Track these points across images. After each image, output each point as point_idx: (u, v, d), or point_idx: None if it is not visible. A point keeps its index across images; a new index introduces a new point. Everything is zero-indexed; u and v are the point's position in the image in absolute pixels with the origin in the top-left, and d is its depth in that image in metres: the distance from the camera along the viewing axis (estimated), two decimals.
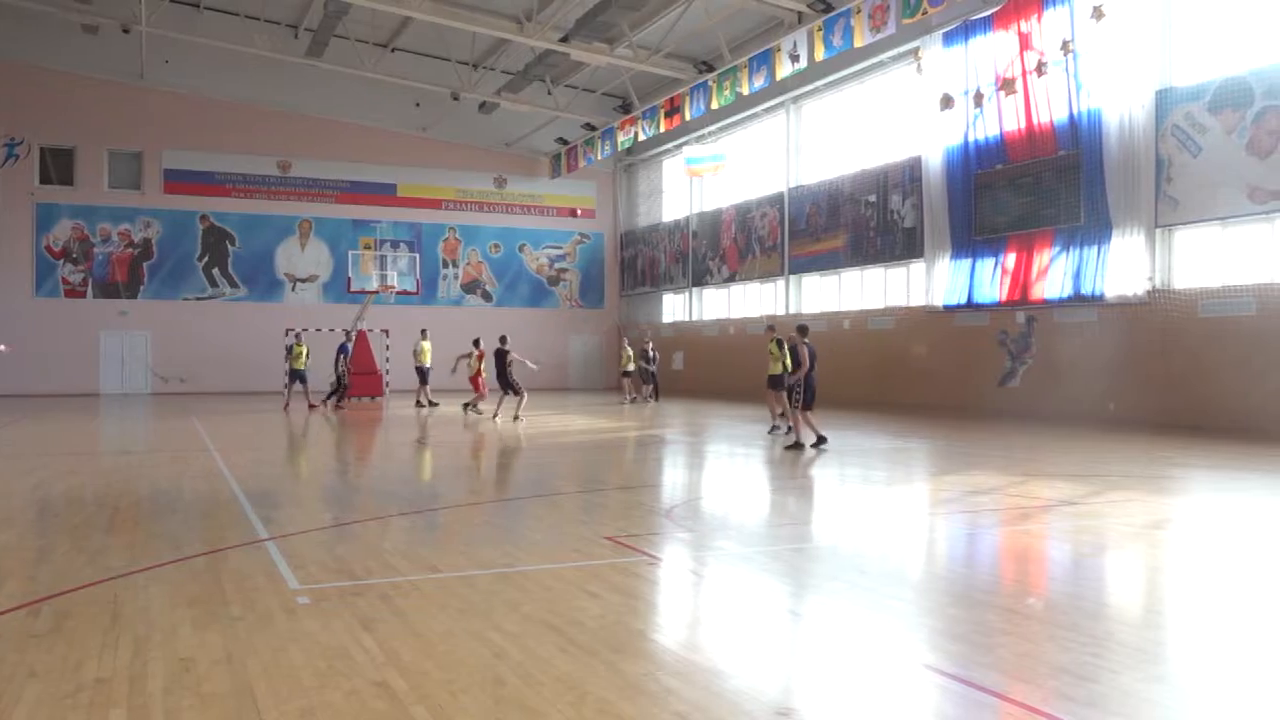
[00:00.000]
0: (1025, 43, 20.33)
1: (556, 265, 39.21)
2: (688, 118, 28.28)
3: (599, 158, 34.32)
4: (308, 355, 24.95)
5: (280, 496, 10.06)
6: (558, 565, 6.52)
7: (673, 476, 12.08)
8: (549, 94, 32.91)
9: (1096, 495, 9.69)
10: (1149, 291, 18.42)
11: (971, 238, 22.12)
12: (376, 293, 31.17)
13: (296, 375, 24.65)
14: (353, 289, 32.04)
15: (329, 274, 35.69)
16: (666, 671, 4.36)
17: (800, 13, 24.11)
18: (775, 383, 16.12)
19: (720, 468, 12.94)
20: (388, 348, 28.63)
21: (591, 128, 34.38)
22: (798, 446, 13.81)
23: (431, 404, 25.09)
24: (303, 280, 35.56)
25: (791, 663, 4.69)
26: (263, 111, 34.52)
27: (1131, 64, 18.44)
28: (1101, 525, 8.15)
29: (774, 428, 16.43)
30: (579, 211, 39.43)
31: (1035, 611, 5.50)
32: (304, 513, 8.98)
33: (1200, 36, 18.03)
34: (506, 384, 20.49)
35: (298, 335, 25.63)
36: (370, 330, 29.35)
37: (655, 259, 37.29)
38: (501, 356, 20.52)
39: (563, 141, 36.67)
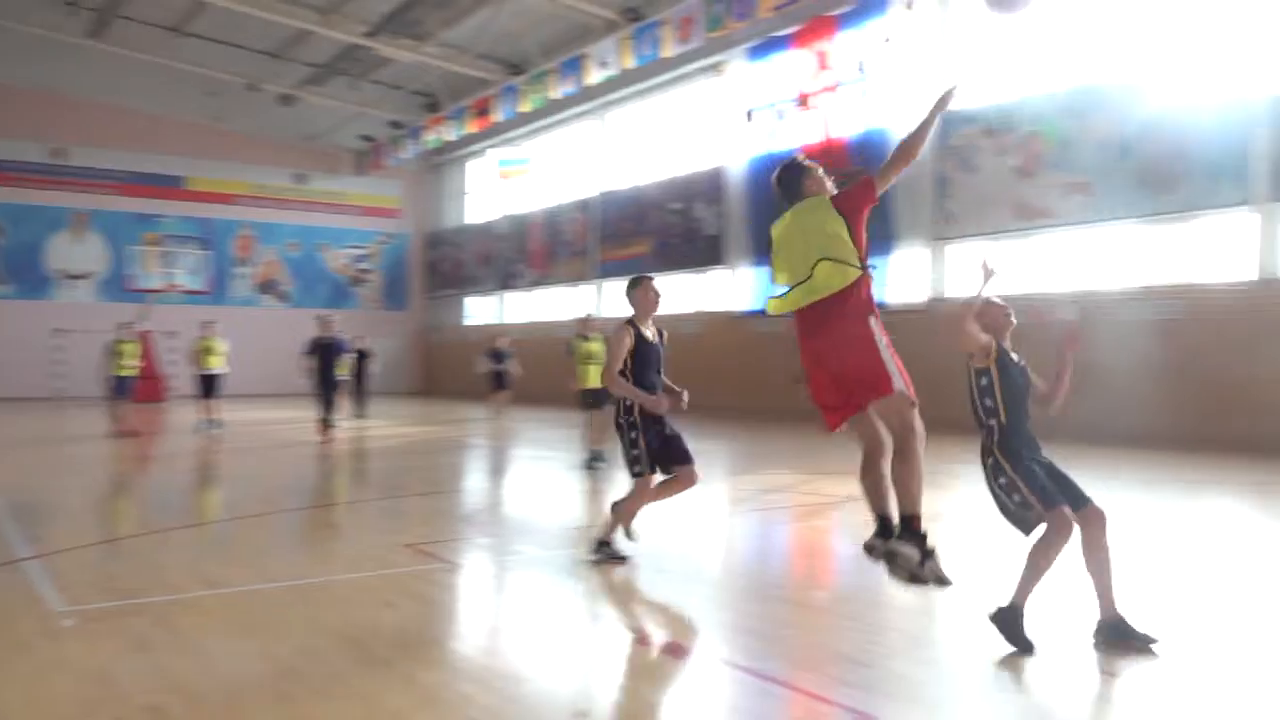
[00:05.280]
0: (822, 62, 21.40)
1: (359, 266, 38.02)
2: (497, 120, 28.07)
3: (405, 156, 33.55)
4: (130, 356, 17.63)
5: (49, 510, 9.27)
6: (354, 575, 6.32)
7: (476, 482, 11.95)
8: (354, 89, 31.88)
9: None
10: (928, 300, 19.77)
11: (768, 247, 22.98)
12: (161, 291, 29.32)
13: (119, 383, 17.31)
14: (134, 287, 30.06)
15: (106, 270, 33.15)
16: (463, 679, 4.32)
17: (611, 21, 24.42)
18: (598, 398, 11.46)
19: (524, 472, 12.90)
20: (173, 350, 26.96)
21: (398, 126, 33.54)
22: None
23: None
24: (76, 277, 32.86)
25: (590, 664, 4.73)
26: (33, 94, 31.68)
27: (918, 87, 19.74)
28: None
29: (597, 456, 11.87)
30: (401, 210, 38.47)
31: (821, 603, 5.78)
32: (75, 527, 8.30)
33: (978, 66, 19.50)
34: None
35: (122, 328, 18.00)
36: (153, 331, 27.56)
37: (461, 261, 36.79)
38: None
39: (368, 139, 35.61)
